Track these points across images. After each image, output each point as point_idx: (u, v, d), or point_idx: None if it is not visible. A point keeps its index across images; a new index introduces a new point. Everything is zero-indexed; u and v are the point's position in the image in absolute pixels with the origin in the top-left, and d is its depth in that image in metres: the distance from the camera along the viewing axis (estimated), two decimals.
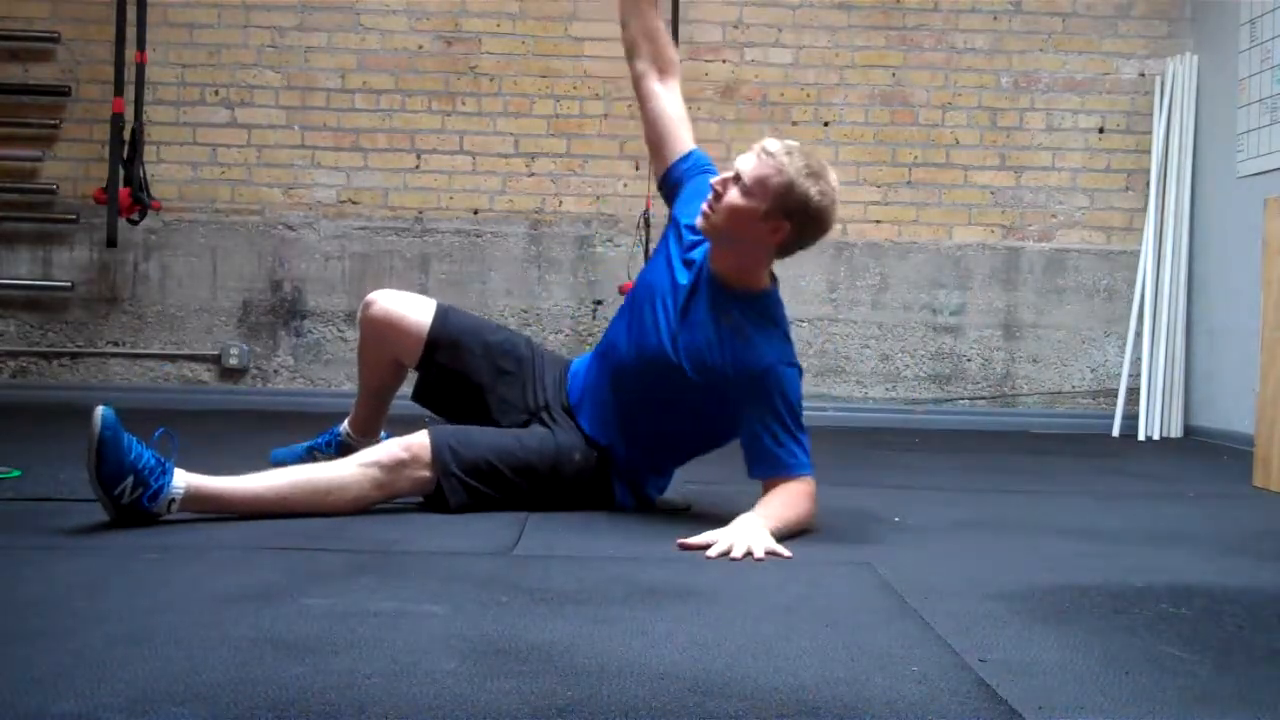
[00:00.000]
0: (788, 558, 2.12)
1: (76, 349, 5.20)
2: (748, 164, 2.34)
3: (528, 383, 2.65)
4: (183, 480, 2.25)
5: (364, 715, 1.22)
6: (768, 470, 2.38)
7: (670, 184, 2.63)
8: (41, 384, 5.17)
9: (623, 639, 1.54)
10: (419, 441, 2.41)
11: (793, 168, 2.31)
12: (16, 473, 2.83)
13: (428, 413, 2.76)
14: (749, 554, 2.10)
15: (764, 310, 2.45)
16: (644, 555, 2.12)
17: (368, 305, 2.70)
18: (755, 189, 2.32)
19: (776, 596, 1.85)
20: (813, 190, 2.31)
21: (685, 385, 2.45)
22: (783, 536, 2.24)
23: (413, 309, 2.68)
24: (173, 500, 2.23)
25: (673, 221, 2.60)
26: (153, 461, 2.21)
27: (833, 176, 2.36)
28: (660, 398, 2.49)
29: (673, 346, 2.45)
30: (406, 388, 2.84)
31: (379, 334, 2.70)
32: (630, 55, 2.63)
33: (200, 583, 1.82)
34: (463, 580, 1.87)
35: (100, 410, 2.15)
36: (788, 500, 2.34)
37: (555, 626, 1.60)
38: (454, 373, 2.66)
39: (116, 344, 5.22)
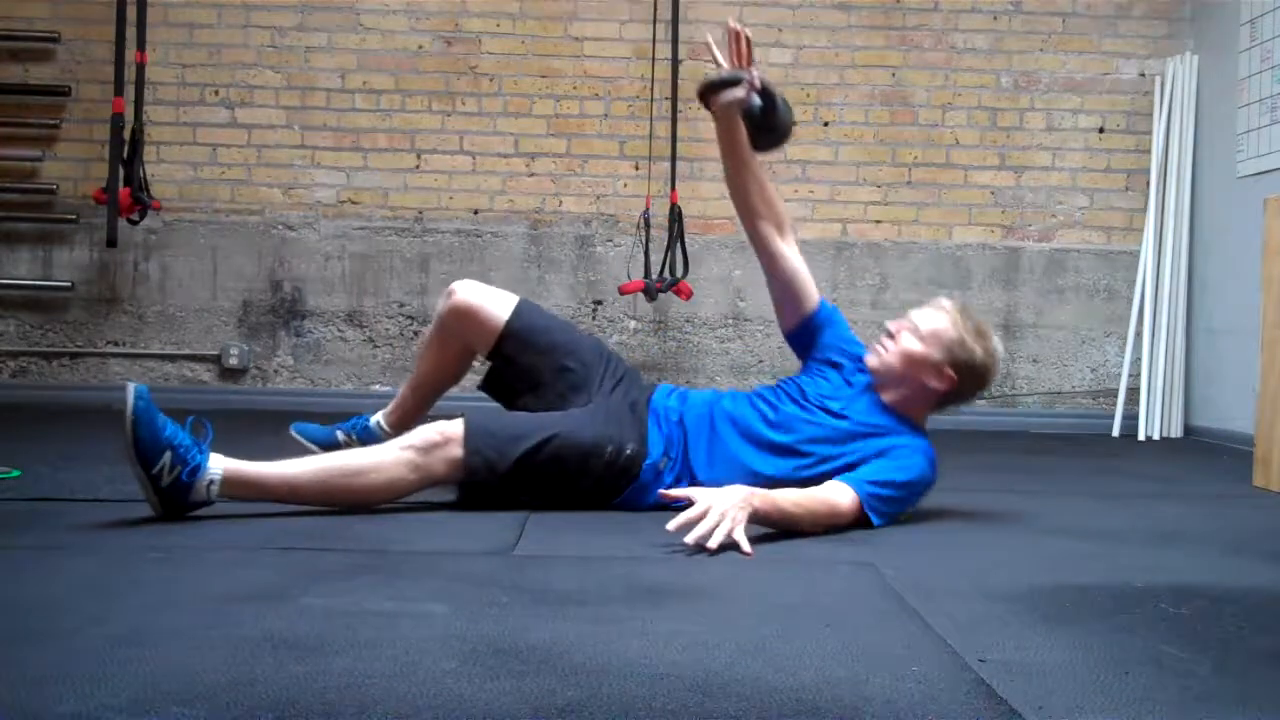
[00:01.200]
0: (746, 555, 2.12)
1: (76, 349, 5.20)
2: (925, 316, 2.60)
3: (593, 384, 2.70)
4: (219, 464, 2.25)
5: (364, 715, 1.22)
6: (848, 479, 2.44)
7: (807, 331, 2.76)
8: (41, 384, 5.16)
9: (623, 639, 1.54)
10: (453, 426, 2.45)
11: (965, 325, 2.58)
12: (16, 473, 2.83)
13: (486, 399, 2.83)
14: (701, 542, 2.12)
15: (915, 428, 2.63)
16: (644, 555, 2.13)
17: (451, 293, 2.78)
18: (930, 339, 2.57)
19: (776, 596, 1.85)
20: (979, 349, 2.57)
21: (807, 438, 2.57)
22: (790, 516, 2.29)
23: (494, 301, 2.77)
24: (211, 482, 2.23)
25: (818, 360, 2.73)
26: (188, 440, 2.21)
27: (997, 342, 2.62)
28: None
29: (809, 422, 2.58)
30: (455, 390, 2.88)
31: (458, 320, 2.77)
32: (748, 217, 2.73)
33: (200, 583, 1.82)
34: (463, 580, 1.87)
35: (133, 386, 2.17)
36: (811, 497, 2.36)
37: (555, 626, 1.60)
38: (519, 366, 2.74)
39: (116, 344, 5.22)
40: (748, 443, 2.58)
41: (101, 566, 1.92)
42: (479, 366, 2.94)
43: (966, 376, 2.58)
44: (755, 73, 2.57)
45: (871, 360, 2.63)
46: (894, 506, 2.48)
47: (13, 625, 1.54)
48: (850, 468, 2.49)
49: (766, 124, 2.61)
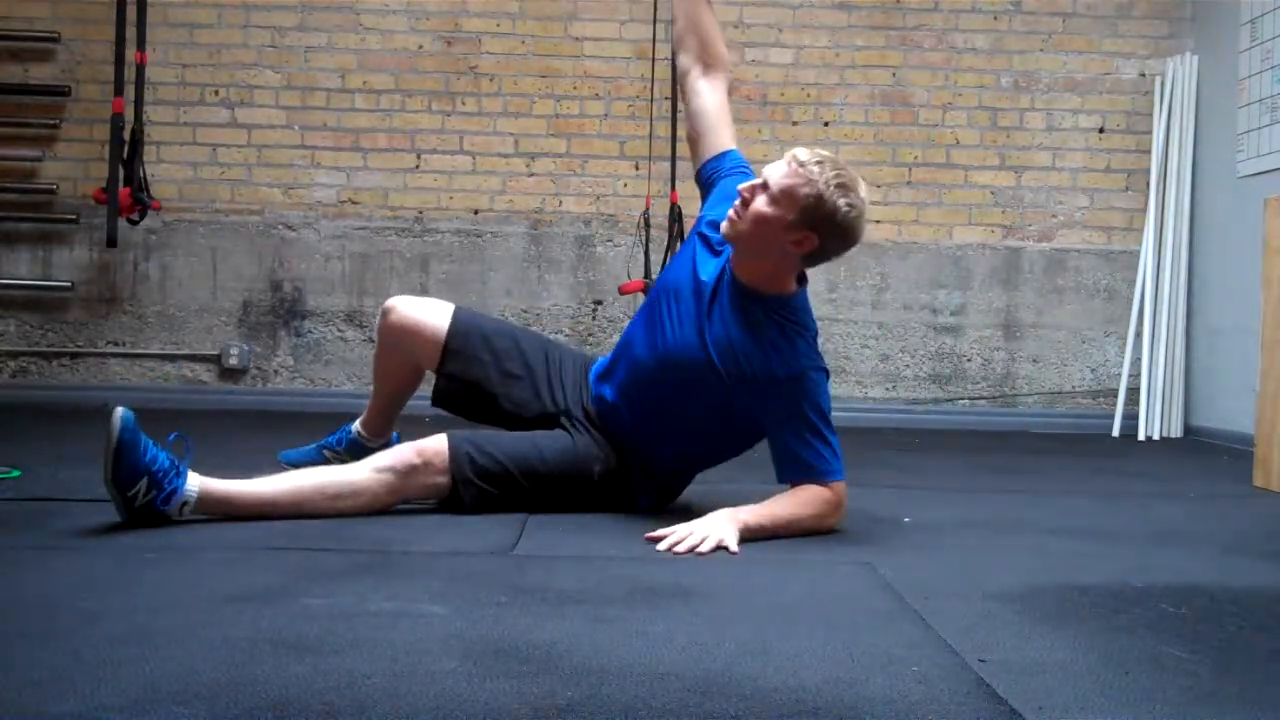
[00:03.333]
0: (734, 554, 2.13)
1: (76, 349, 5.20)
2: (777, 172, 2.30)
3: (540, 385, 2.63)
4: (196, 483, 2.25)
5: (364, 715, 1.22)
6: (797, 474, 2.38)
7: (704, 180, 2.59)
8: (41, 384, 5.17)
9: (623, 639, 1.54)
10: (434, 447, 2.40)
11: (822, 179, 2.26)
12: (16, 473, 2.82)
13: (443, 413, 2.76)
14: (694, 549, 2.13)
15: (791, 314, 2.41)
16: (644, 555, 2.13)
17: (386, 313, 2.70)
18: (782, 198, 2.27)
19: (776, 596, 1.85)
20: (841, 203, 2.26)
21: (709, 381, 2.42)
22: (773, 534, 2.27)
23: (430, 314, 2.68)
24: (186, 503, 2.23)
25: (700, 220, 2.57)
26: (167, 464, 2.20)
27: (863, 189, 2.32)
28: (681, 395, 2.47)
29: (699, 340, 2.42)
30: (424, 389, 2.84)
31: (397, 340, 2.70)
32: (677, 48, 2.62)
33: (200, 583, 1.82)
34: (463, 580, 1.87)
35: (120, 412, 2.15)
36: (797, 500, 2.35)
37: (555, 626, 1.60)
38: (465, 380, 2.65)
39: (116, 344, 5.22)
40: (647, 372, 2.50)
41: (101, 566, 1.92)
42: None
43: (829, 235, 2.30)
44: None
45: (725, 228, 2.36)
46: (832, 434, 2.39)
47: (13, 625, 1.54)
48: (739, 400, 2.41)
49: None
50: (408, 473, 2.38)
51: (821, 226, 2.29)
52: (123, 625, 1.54)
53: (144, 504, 2.18)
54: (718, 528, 2.20)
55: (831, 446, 2.38)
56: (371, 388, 2.90)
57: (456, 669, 1.38)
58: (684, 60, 2.59)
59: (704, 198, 2.60)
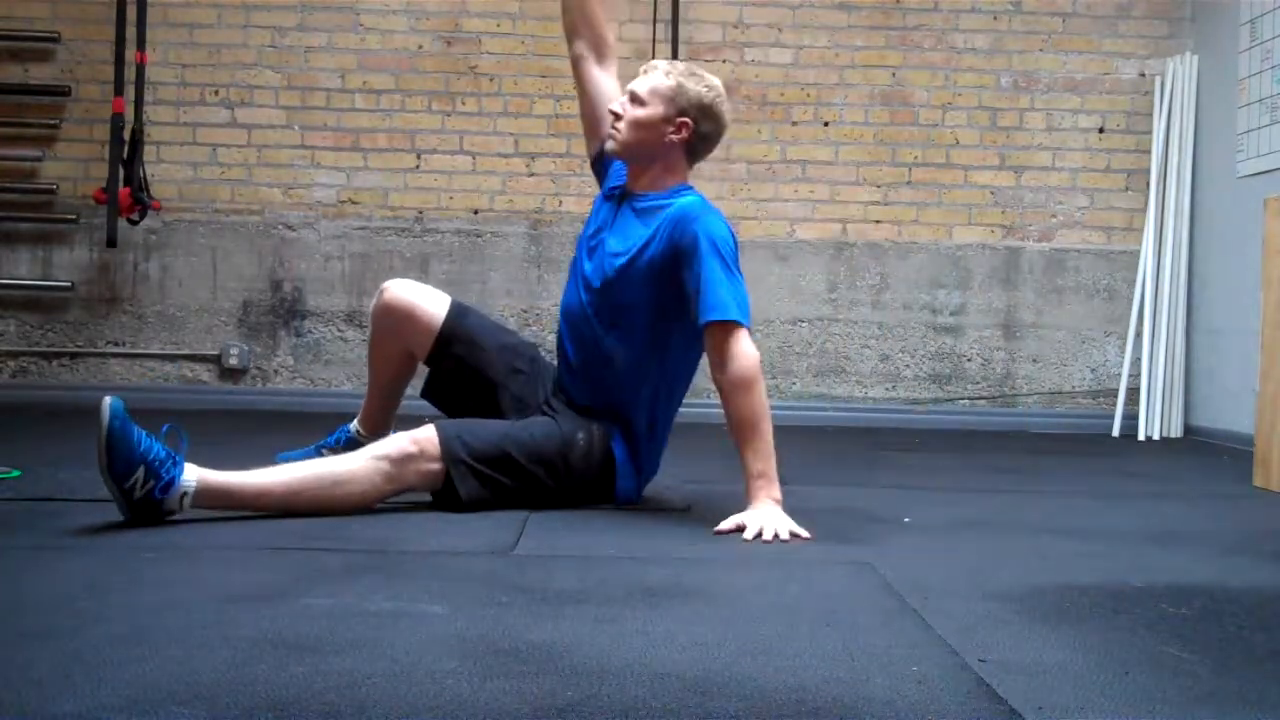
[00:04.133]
0: (807, 539, 2.25)
1: (76, 349, 5.20)
2: (639, 82, 2.57)
3: (537, 382, 2.71)
4: (194, 475, 2.25)
5: (364, 715, 1.22)
6: (711, 314, 2.41)
7: (602, 162, 2.73)
8: (41, 384, 5.17)
9: (623, 639, 1.54)
10: (427, 435, 2.42)
11: (676, 72, 2.57)
12: (16, 473, 2.83)
13: (437, 412, 2.77)
14: (776, 536, 2.25)
15: (677, 191, 2.59)
16: (644, 555, 2.13)
17: (381, 292, 2.75)
18: (649, 98, 2.55)
19: (776, 596, 1.85)
20: (700, 87, 2.56)
21: (628, 292, 2.54)
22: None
23: (427, 300, 2.74)
24: (185, 494, 2.22)
25: (602, 196, 2.73)
26: (163, 454, 2.20)
27: (714, 78, 2.60)
28: (613, 323, 2.56)
29: (605, 259, 2.57)
30: (414, 388, 2.84)
31: (392, 322, 2.74)
32: (568, 37, 2.75)
33: (200, 583, 1.82)
34: (463, 580, 1.87)
35: (108, 400, 2.15)
36: (744, 422, 2.38)
37: (555, 626, 1.60)
38: (469, 368, 2.70)
39: (116, 344, 5.22)
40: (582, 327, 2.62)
41: (101, 566, 1.92)
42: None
43: (701, 117, 2.56)
44: None
45: (610, 146, 2.59)
46: (733, 274, 2.45)
47: (13, 625, 1.54)
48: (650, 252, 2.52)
49: None
50: (403, 460, 2.39)
51: (690, 110, 2.55)
52: (123, 625, 1.54)
53: (143, 495, 2.17)
54: (781, 518, 2.31)
55: (734, 286, 2.43)
56: (367, 382, 2.91)
57: (456, 669, 1.38)
58: (578, 47, 2.73)
59: (601, 179, 2.76)
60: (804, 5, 5.31)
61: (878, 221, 5.32)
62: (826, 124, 5.33)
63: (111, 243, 4.75)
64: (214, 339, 5.24)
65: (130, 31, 4.84)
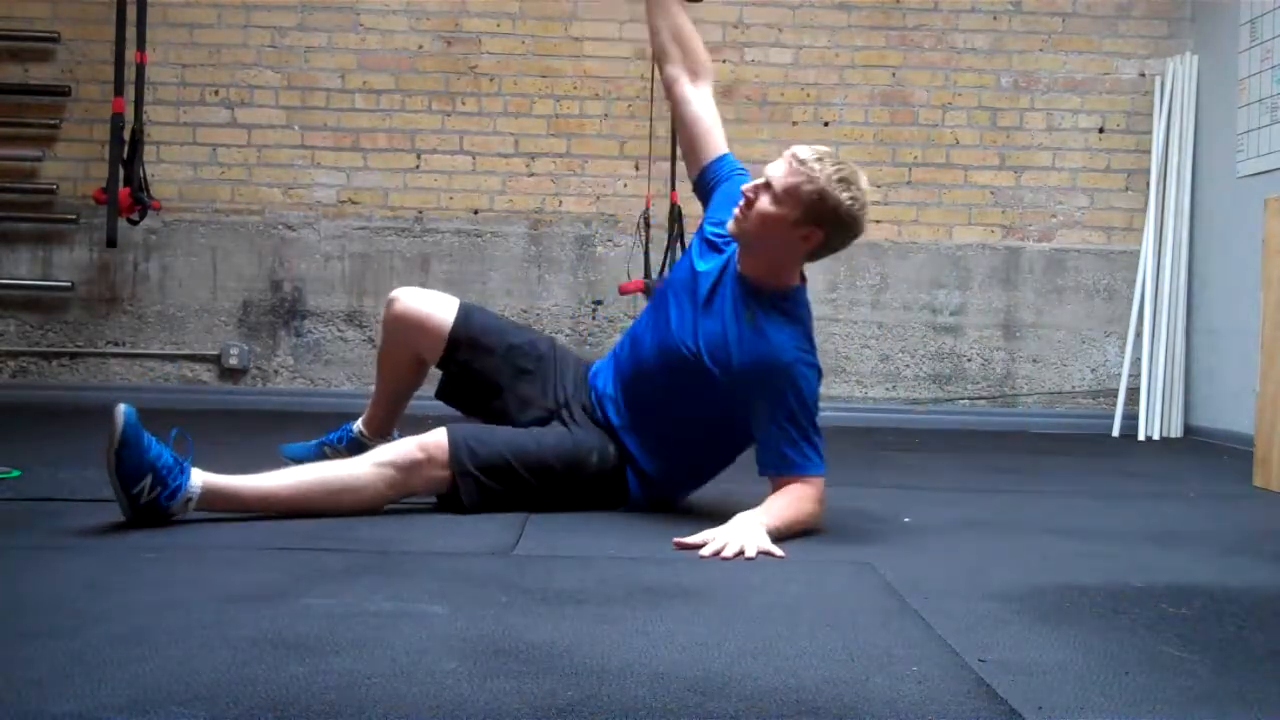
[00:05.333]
0: (780, 558, 2.13)
1: (76, 349, 5.20)
2: (778, 171, 2.35)
3: (547, 381, 2.66)
4: (199, 479, 2.25)
5: (364, 715, 1.22)
6: (778, 468, 2.38)
7: (704, 187, 2.63)
8: (41, 384, 5.17)
9: (623, 639, 1.54)
10: (435, 440, 2.41)
11: (824, 175, 2.32)
12: (16, 473, 2.82)
13: (451, 410, 2.77)
14: (741, 553, 2.11)
15: (787, 309, 2.45)
16: (644, 555, 2.12)
17: (391, 303, 2.73)
18: (785, 197, 2.33)
19: (776, 596, 1.85)
20: (844, 197, 2.32)
21: (700, 377, 2.44)
22: (782, 537, 2.25)
23: (436, 307, 2.70)
24: (189, 499, 2.23)
25: (703, 224, 2.61)
26: (171, 460, 2.20)
27: (864, 181, 2.37)
28: (674, 393, 2.49)
29: (693, 336, 2.46)
30: (424, 389, 2.84)
31: (402, 331, 2.72)
32: (661, 60, 2.65)
33: (200, 583, 1.82)
34: (463, 580, 1.87)
35: (122, 409, 2.15)
36: (792, 500, 2.34)
37: (555, 626, 1.60)
38: (475, 371, 2.68)
39: (116, 344, 5.22)
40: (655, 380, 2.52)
41: (101, 566, 1.92)
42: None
43: (834, 229, 2.37)
44: None
45: (731, 227, 2.43)
46: (816, 433, 2.40)
47: (13, 625, 1.54)
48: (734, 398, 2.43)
49: None
50: (410, 467, 2.38)
51: (825, 221, 2.35)
52: (123, 625, 1.54)
53: (149, 501, 2.18)
54: (754, 534, 2.18)
55: (814, 444, 2.39)
56: (374, 386, 2.91)
57: (456, 669, 1.38)
58: (671, 70, 2.63)
59: (705, 203, 2.63)
60: (804, 5, 5.31)
61: (878, 221, 5.32)
62: (826, 124, 5.33)
63: (111, 243, 4.75)
64: (214, 339, 5.24)
65: (130, 31, 4.83)
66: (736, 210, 2.40)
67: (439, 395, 2.77)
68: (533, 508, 2.49)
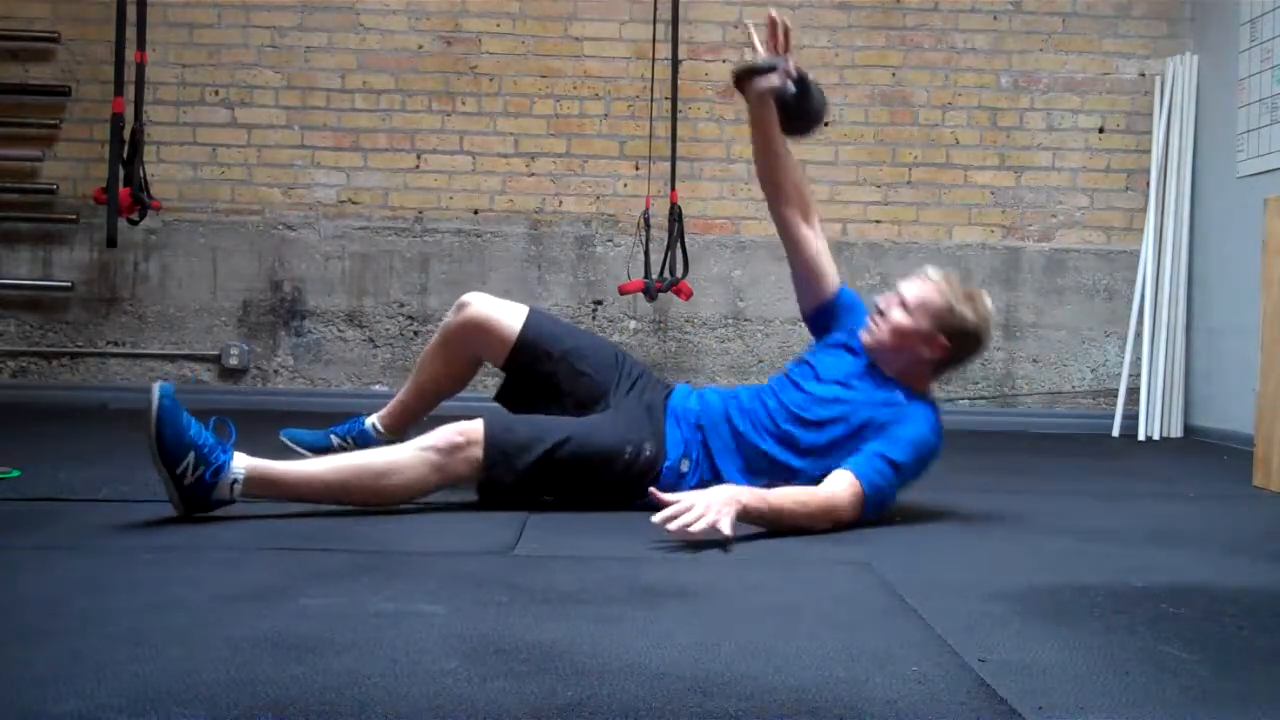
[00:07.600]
0: (727, 537, 2.15)
1: (76, 349, 5.20)
2: (911, 287, 2.62)
3: (608, 385, 2.72)
4: (243, 463, 2.26)
5: (364, 715, 1.22)
6: (847, 463, 2.45)
7: (824, 315, 2.80)
8: (41, 384, 5.17)
9: (623, 639, 1.54)
10: (472, 425, 2.46)
11: (951, 292, 2.61)
12: (16, 473, 2.82)
13: (496, 405, 2.83)
14: (688, 526, 2.14)
15: (923, 395, 2.63)
16: (644, 555, 2.13)
17: (463, 306, 2.80)
18: (917, 310, 2.59)
19: (776, 596, 1.85)
20: (969, 312, 2.61)
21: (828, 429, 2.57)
22: (772, 524, 2.29)
23: (506, 313, 2.78)
24: (235, 481, 2.23)
25: (831, 344, 2.76)
26: (212, 440, 2.22)
27: (988, 301, 2.66)
28: (785, 437, 2.59)
29: (835, 395, 2.60)
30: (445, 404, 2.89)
31: (470, 333, 2.78)
32: (776, 202, 2.79)
33: (200, 583, 1.82)
34: (463, 580, 1.87)
35: (158, 385, 2.18)
36: (808, 497, 2.37)
37: (555, 626, 1.60)
38: (535, 375, 2.75)
39: (116, 344, 5.22)
40: (769, 436, 2.59)
41: (101, 566, 1.92)
42: (484, 373, 2.94)
43: (960, 342, 2.62)
44: (790, 60, 2.63)
45: (865, 338, 2.66)
46: (900, 478, 2.49)
47: (13, 625, 1.54)
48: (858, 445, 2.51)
49: (799, 110, 2.67)
50: (451, 450, 2.41)
51: (953, 333, 2.60)
52: (123, 625, 1.54)
53: (194, 481, 2.18)
54: (715, 505, 2.20)
55: (888, 472, 2.45)
56: (407, 381, 2.95)
57: (456, 669, 1.39)
58: (786, 212, 2.77)
59: (825, 329, 2.81)
60: (804, 5, 5.30)
61: (878, 221, 5.32)
62: (826, 124, 5.31)
63: (111, 243, 4.75)
64: (214, 339, 5.24)
65: (130, 31, 4.84)
66: (870, 321, 2.64)
67: (497, 398, 2.85)
68: (562, 494, 2.55)
